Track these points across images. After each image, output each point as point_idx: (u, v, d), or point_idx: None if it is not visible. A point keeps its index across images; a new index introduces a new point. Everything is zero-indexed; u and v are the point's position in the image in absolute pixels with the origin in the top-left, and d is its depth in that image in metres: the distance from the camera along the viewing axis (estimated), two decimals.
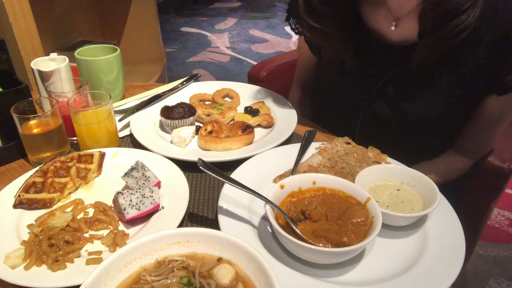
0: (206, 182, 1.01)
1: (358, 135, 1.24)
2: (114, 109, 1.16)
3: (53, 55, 1.28)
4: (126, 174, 0.92)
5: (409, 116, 1.12)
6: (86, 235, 0.82)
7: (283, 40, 5.04)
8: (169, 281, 0.60)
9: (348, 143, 1.05)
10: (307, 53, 1.35)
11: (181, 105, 1.18)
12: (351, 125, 1.24)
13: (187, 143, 1.12)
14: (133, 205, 0.83)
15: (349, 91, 1.22)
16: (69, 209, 0.88)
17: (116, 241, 0.78)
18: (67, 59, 1.24)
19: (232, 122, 1.20)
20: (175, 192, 0.91)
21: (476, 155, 1.19)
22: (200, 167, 0.81)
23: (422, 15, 0.98)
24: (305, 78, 1.49)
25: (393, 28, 1.05)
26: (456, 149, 1.22)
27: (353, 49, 1.13)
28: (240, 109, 1.30)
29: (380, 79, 1.12)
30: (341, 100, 1.26)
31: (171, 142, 1.13)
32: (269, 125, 1.22)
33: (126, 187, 0.94)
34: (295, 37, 5.07)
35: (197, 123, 1.23)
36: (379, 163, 0.98)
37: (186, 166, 1.01)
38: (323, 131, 1.22)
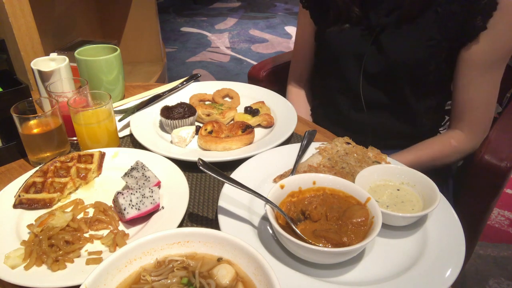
0: (206, 182, 1.01)
1: (364, 98, 1.29)
2: (114, 109, 1.16)
3: (53, 55, 1.28)
4: (126, 174, 0.92)
5: (396, 62, 1.20)
6: (86, 235, 0.82)
7: (283, 40, 5.04)
8: (169, 281, 0.60)
9: (348, 143, 1.05)
10: (306, 31, 1.45)
11: (181, 105, 1.18)
12: (354, 86, 1.30)
13: (187, 143, 1.12)
14: (133, 205, 0.83)
15: (349, 46, 1.29)
16: (69, 209, 0.88)
17: (116, 241, 0.78)
18: (67, 59, 1.24)
19: (232, 122, 1.20)
20: (175, 192, 0.91)
21: (469, 126, 1.23)
22: (200, 167, 0.81)
23: None
24: (302, 69, 1.55)
25: None
26: (449, 124, 1.27)
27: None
28: (240, 109, 1.30)
29: (375, 29, 1.21)
30: (343, 59, 1.32)
31: (171, 142, 1.13)
32: (269, 125, 1.22)
33: (126, 187, 0.94)
34: (294, 37, 5.07)
35: (197, 123, 1.23)
36: (379, 163, 0.98)
37: (186, 166, 1.01)
38: (323, 131, 1.22)
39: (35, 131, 1.01)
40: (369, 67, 1.25)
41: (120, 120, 1.20)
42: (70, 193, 0.95)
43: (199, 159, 0.82)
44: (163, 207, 0.88)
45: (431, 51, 1.16)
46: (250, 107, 1.27)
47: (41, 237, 0.77)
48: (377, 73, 1.25)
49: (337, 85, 1.37)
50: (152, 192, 0.86)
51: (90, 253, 0.77)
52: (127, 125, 1.21)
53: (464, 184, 1.25)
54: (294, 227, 0.77)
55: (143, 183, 0.90)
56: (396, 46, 1.20)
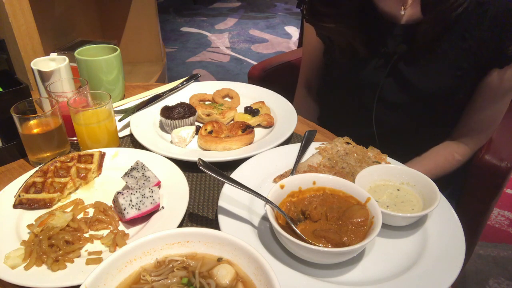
0: (206, 182, 1.01)
1: (375, 119, 1.26)
2: (114, 109, 1.16)
3: (53, 55, 1.28)
4: (126, 174, 0.92)
5: (420, 91, 1.17)
6: (86, 235, 0.82)
7: (283, 40, 5.04)
8: (169, 281, 0.60)
9: (348, 143, 1.05)
10: (313, 45, 1.40)
11: (181, 105, 1.18)
12: (366, 110, 1.27)
13: (187, 143, 1.12)
14: (133, 205, 0.83)
15: (363, 72, 1.26)
16: (69, 209, 0.88)
17: (116, 241, 0.78)
18: (67, 59, 1.24)
19: (232, 122, 1.20)
20: (175, 192, 0.91)
21: (475, 141, 1.21)
22: (200, 167, 0.81)
23: None
24: (310, 77, 1.50)
25: (402, 12, 1.16)
26: (454, 137, 1.24)
27: (363, 37, 1.20)
28: (240, 109, 1.30)
29: (393, 56, 1.18)
30: (356, 83, 1.29)
31: (171, 142, 1.13)
32: (269, 125, 1.22)
33: (126, 187, 0.94)
34: (295, 37, 5.07)
35: (197, 123, 1.23)
36: (379, 163, 0.98)
37: (186, 166, 1.01)
38: (323, 131, 1.22)
39: (35, 131, 1.01)
40: (386, 95, 1.21)
41: (120, 120, 1.20)
42: (70, 193, 0.95)
43: (199, 159, 0.82)
44: (163, 207, 0.88)
45: (459, 81, 1.12)
46: (250, 107, 1.27)
47: (41, 237, 0.77)
48: (395, 102, 1.21)
49: (347, 103, 1.33)
50: (152, 192, 0.86)
51: (90, 253, 0.77)
52: (127, 125, 1.21)
53: (464, 184, 1.25)
54: (294, 227, 0.77)
55: (143, 183, 0.90)
56: (419, 76, 1.15)
